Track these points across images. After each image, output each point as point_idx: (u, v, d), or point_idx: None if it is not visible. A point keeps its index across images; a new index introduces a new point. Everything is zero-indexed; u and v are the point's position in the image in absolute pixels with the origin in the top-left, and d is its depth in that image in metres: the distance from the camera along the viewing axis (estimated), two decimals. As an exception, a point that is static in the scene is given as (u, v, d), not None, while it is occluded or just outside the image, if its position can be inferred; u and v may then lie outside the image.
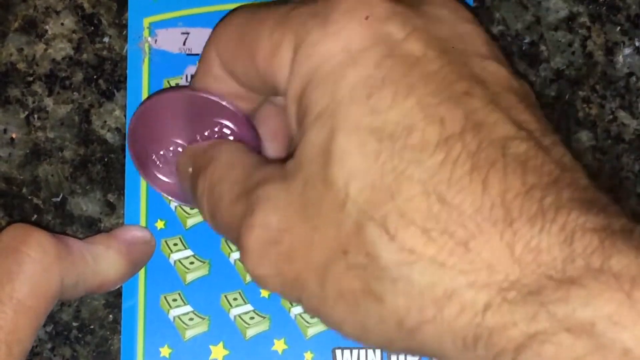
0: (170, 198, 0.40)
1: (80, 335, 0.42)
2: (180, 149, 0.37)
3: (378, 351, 0.41)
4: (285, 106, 0.29)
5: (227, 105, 0.34)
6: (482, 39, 0.28)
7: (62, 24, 0.44)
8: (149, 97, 0.40)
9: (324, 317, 0.28)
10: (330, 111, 0.26)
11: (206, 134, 0.36)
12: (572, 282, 0.23)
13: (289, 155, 0.29)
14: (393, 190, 0.25)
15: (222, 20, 0.34)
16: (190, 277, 0.42)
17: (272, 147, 0.36)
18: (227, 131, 0.35)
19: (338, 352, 0.41)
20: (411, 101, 0.25)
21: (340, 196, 0.26)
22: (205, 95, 0.34)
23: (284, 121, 0.34)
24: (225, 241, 0.42)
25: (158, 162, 0.39)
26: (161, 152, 0.38)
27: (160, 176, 0.39)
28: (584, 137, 0.44)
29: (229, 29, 0.32)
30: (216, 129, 0.35)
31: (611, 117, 0.44)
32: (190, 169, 0.34)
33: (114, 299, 0.42)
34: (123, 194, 0.42)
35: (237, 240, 0.29)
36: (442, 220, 0.24)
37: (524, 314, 0.23)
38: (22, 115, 0.43)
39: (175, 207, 0.42)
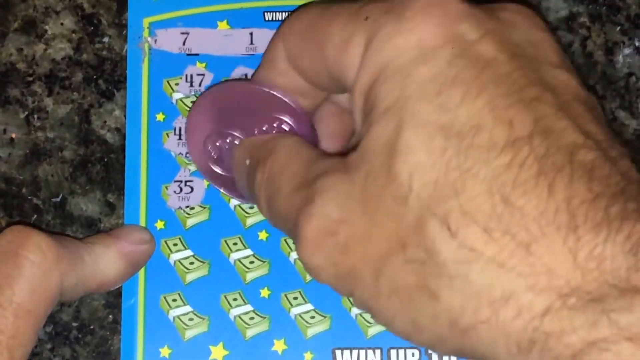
0: (220, 189, 0.40)
1: (80, 336, 0.42)
2: (237, 141, 0.37)
3: (378, 351, 0.41)
4: (351, 100, 0.29)
5: (288, 101, 0.34)
6: (554, 47, 0.29)
7: (62, 24, 0.44)
8: (209, 88, 0.40)
9: (376, 312, 0.28)
10: (399, 106, 0.26)
11: (264, 128, 0.36)
12: (637, 291, 0.22)
13: (350, 150, 0.29)
14: (457, 188, 0.25)
15: (291, 15, 0.34)
16: (190, 277, 0.42)
17: (329, 147, 0.36)
18: (286, 127, 0.35)
19: (338, 352, 0.41)
20: (481, 101, 0.26)
21: (403, 190, 0.26)
22: (267, 89, 0.34)
23: (343, 122, 0.35)
24: (225, 241, 0.42)
25: (213, 153, 0.39)
26: (217, 143, 0.38)
27: (214, 167, 0.39)
28: (584, 137, 0.44)
29: (298, 23, 0.33)
30: (275, 124, 0.35)
31: (611, 117, 0.44)
32: (248, 161, 0.34)
33: (114, 299, 0.42)
34: (123, 194, 0.42)
35: (294, 229, 0.29)
36: (505, 221, 0.24)
37: (584, 321, 0.23)
38: (22, 116, 0.43)
39: (175, 209, 0.42)
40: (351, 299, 0.29)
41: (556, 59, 0.28)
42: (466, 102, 0.26)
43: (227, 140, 0.37)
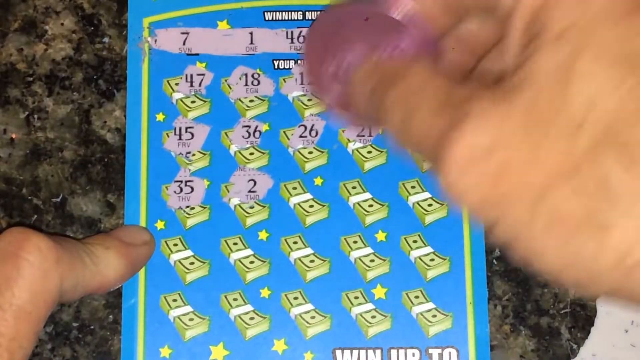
0: (335, 110, 0.38)
1: (80, 336, 0.42)
2: (354, 63, 0.36)
3: (378, 351, 0.41)
4: (507, 21, 0.28)
5: (414, 26, 0.33)
6: None
7: (62, 24, 0.44)
8: (331, 8, 0.39)
9: (524, 242, 0.26)
10: (577, 30, 0.26)
11: (386, 51, 0.35)
12: None
13: (500, 76, 0.28)
14: (636, 119, 0.24)
15: None
16: (190, 277, 0.42)
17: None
18: (409, 52, 0.34)
19: (338, 352, 0.41)
20: None
21: (578, 117, 0.25)
22: (391, 13, 0.33)
23: (467, 51, 0.34)
24: (225, 241, 0.42)
25: (331, 73, 0.37)
26: (335, 64, 0.37)
27: (330, 88, 0.38)
28: (584, 137, 0.44)
29: None
30: (398, 47, 0.34)
31: (611, 117, 0.44)
32: (375, 79, 0.33)
33: (114, 299, 0.42)
34: (123, 194, 0.42)
35: (436, 150, 0.28)
36: None
37: None
38: (22, 116, 0.43)
39: (175, 209, 0.42)
40: (493, 229, 0.27)
41: None
42: None
43: (346, 61, 0.36)
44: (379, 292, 0.42)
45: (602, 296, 0.26)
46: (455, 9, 0.32)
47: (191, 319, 0.41)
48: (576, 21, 0.26)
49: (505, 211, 0.26)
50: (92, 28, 0.44)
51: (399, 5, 0.34)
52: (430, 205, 0.43)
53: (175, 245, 0.42)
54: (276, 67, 0.44)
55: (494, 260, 0.43)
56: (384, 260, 0.42)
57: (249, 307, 0.41)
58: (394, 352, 0.41)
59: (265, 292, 0.42)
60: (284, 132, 0.43)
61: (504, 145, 0.26)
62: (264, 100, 0.43)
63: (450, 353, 0.41)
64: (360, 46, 0.35)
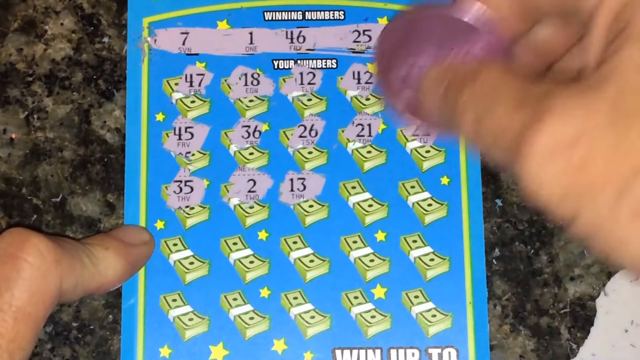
0: (406, 115, 0.38)
1: (80, 336, 0.42)
2: (425, 67, 0.35)
3: (378, 351, 0.41)
4: (589, 19, 0.29)
5: (487, 31, 0.33)
6: None
7: (62, 24, 0.44)
8: (403, 12, 0.39)
9: (607, 233, 0.26)
10: None
11: (458, 56, 0.35)
12: None
13: (577, 75, 0.28)
14: None
15: None
16: (189, 277, 0.42)
17: None
18: (481, 57, 0.34)
19: (338, 352, 0.41)
20: None
21: None
22: (466, 18, 0.33)
23: (542, 54, 0.34)
24: (225, 241, 0.42)
25: (401, 78, 0.37)
26: (405, 68, 0.37)
27: (400, 92, 0.38)
28: (584, 137, 0.44)
29: None
30: (470, 52, 0.34)
31: (611, 117, 0.44)
32: (447, 81, 0.33)
33: (114, 299, 0.42)
34: (123, 194, 0.42)
35: (515, 144, 0.28)
36: None
37: None
38: (22, 116, 0.43)
39: (175, 209, 0.42)
40: (573, 221, 0.28)
41: None
42: None
43: (419, 65, 0.36)
44: (379, 292, 0.42)
45: None
46: (532, 14, 0.33)
47: (191, 319, 0.41)
48: None
49: (588, 202, 0.26)
50: (92, 28, 0.44)
51: (473, 10, 0.33)
52: (429, 205, 0.43)
53: (175, 245, 0.42)
54: (276, 67, 0.44)
55: (494, 260, 0.43)
56: (384, 260, 0.42)
57: (248, 307, 0.42)
58: (393, 352, 0.41)
59: (265, 292, 0.42)
60: (284, 132, 0.43)
61: (589, 136, 0.26)
62: (263, 100, 0.43)
63: (449, 353, 0.41)
64: (431, 50, 0.35)
